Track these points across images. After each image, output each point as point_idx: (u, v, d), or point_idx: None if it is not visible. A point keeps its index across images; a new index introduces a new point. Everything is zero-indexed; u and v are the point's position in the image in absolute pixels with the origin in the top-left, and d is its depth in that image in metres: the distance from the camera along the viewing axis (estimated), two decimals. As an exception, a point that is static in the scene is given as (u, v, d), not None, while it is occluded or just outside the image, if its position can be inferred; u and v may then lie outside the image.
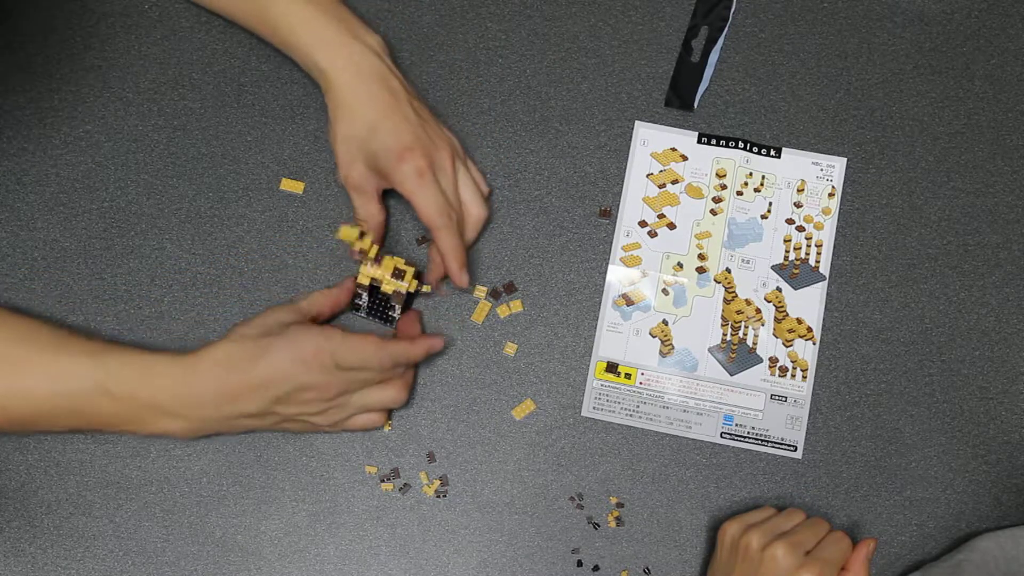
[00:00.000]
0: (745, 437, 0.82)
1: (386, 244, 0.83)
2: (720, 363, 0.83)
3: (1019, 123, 0.87)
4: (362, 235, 0.77)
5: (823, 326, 0.84)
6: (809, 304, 0.84)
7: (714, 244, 0.84)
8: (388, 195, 0.82)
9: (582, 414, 0.82)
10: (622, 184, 0.85)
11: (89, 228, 0.83)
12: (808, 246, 0.85)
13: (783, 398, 0.83)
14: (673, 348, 0.83)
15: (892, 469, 0.82)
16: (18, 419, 0.73)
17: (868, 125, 0.86)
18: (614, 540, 0.81)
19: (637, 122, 0.86)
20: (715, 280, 0.84)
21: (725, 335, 0.83)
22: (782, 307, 0.83)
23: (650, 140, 0.86)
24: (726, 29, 0.87)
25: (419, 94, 0.82)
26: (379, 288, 0.79)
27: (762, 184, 0.85)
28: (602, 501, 0.81)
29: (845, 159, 0.86)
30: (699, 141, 0.86)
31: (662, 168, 0.85)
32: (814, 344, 0.83)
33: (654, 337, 0.83)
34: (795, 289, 0.84)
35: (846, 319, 0.84)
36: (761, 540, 0.73)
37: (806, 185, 0.85)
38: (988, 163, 0.86)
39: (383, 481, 0.81)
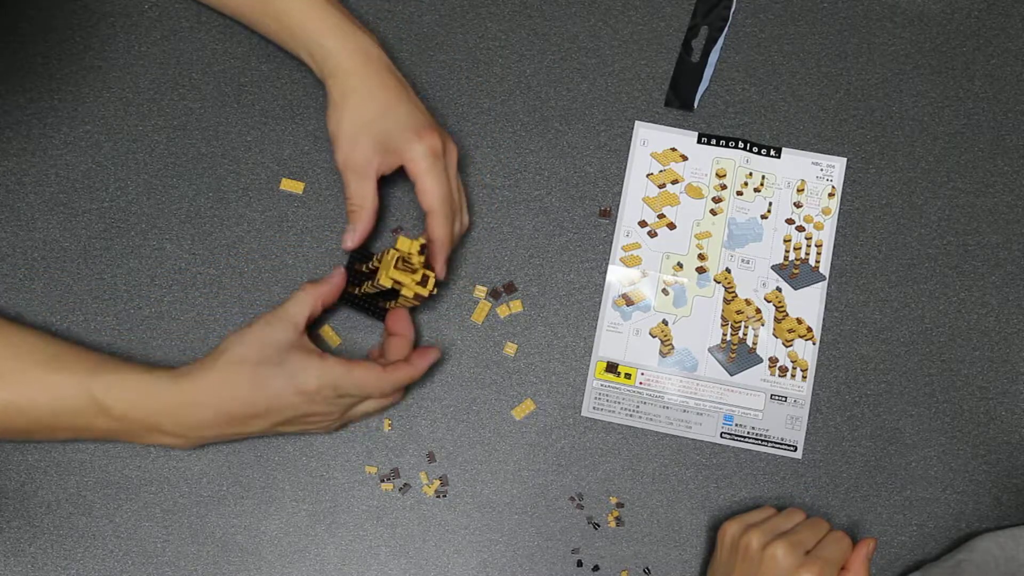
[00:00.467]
0: (745, 437, 0.82)
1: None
2: (720, 363, 0.83)
3: (1019, 123, 0.87)
4: (422, 249, 0.74)
5: (823, 326, 0.84)
6: (809, 304, 0.84)
7: (714, 244, 0.84)
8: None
9: (582, 414, 0.82)
10: (622, 184, 0.85)
11: (89, 228, 0.82)
12: (808, 246, 0.85)
13: (783, 398, 0.83)
14: (673, 348, 0.83)
15: (892, 469, 0.82)
16: (13, 431, 0.73)
17: (868, 125, 0.86)
18: (614, 540, 0.81)
19: (637, 122, 0.86)
20: (715, 280, 0.84)
21: (725, 335, 0.83)
22: (782, 307, 0.83)
23: (650, 140, 0.86)
24: (726, 29, 0.87)
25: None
26: (380, 283, 0.77)
27: (762, 184, 0.85)
28: (602, 501, 0.81)
29: (845, 159, 0.86)
30: (699, 141, 0.86)
31: (662, 168, 0.85)
32: (814, 344, 0.83)
33: (654, 337, 0.83)
34: (795, 289, 0.84)
35: (846, 319, 0.84)
36: (761, 540, 0.73)
37: (806, 185, 0.85)
38: (988, 163, 0.86)
39: (383, 481, 0.81)
